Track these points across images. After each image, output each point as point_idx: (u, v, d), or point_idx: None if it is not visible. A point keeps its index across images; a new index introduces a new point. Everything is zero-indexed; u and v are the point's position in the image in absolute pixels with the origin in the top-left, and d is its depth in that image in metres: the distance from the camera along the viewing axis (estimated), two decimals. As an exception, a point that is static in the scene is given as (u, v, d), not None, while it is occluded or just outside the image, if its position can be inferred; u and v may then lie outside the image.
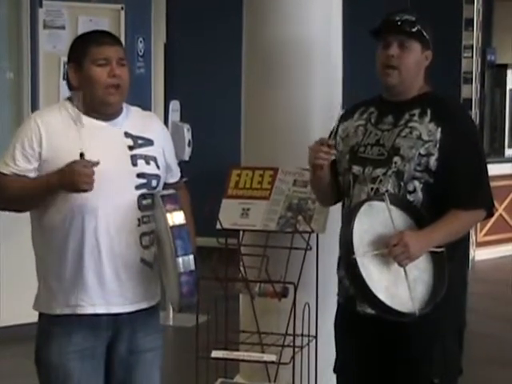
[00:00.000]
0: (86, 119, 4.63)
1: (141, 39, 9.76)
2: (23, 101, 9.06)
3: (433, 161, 4.67)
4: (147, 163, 4.69)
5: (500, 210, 13.11)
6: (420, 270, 4.59)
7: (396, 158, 4.72)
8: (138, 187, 4.62)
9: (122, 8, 9.54)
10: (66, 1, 9.23)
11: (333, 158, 4.78)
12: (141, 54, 9.73)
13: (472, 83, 12.57)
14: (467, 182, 4.73)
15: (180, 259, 4.35)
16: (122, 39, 9.02)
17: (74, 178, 4.33)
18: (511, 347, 9.05)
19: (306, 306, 5.29)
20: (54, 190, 4.44)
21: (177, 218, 4.41)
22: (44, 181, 4.50)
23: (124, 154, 4.63)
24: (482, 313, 10.01)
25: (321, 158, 4.71)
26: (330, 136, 4.95)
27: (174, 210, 4.42)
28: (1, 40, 9.27)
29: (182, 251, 4.36)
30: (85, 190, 4.36)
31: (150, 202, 4.60)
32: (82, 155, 4.36)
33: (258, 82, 5.88)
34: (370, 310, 4.68)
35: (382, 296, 4.41)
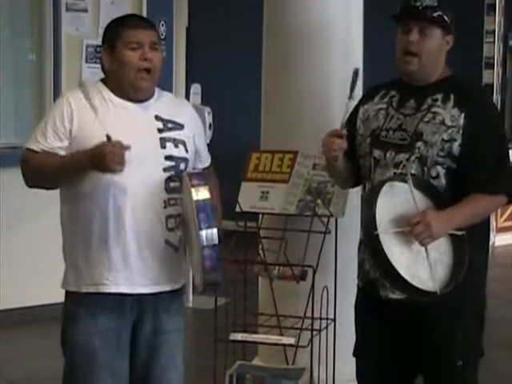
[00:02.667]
0: (117, 100, 4.66)
1: (163, 22, 9.73)
2: (45, 82, 9.02)
3: (456, 146, 4.63)
4: (176, 146, 4.70)
5: (520, 197, 13.02)
6: (440, 252, 4.56)
7: (419, 144, 4.68)
8: (165, 169, 4.63)
9: (144, -9, 9.54)
10: (88, -16, 9.18)
11: (345, 147, 4.72)
12: (162, 37, 9.68)
13: (494, 68, 12.53)
14: (489, 168, 4.69)
15: (203, 232, 4.31)
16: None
17: (106, 158, 4.32)
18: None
19: (325, 289, 5.23)
20: (85, 169, 4.45)
21: (201, 193, 4.36)
22: (75, 159, 4.54)
23: (153, 136, 4.66)
24: (501, 297, 10.01)
25: (333, 151, 4.70)
26: (349, 118, 4.95)
27: (199, 185, 4.39)
28: (24, 22, 9.31)
29: (206, 224, 4.32)
30: (115, 171, 4.37)
31: (177, 184, 4.61)
32: (108, 138, 4.34)
33: (278, 67, 5.82)
34: (392, 295, 4.69)
35: (403, 273, 4.40)
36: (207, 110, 8.98)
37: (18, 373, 7.20)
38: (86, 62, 8.44)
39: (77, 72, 8.78)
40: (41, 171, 4.63)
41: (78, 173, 4.51)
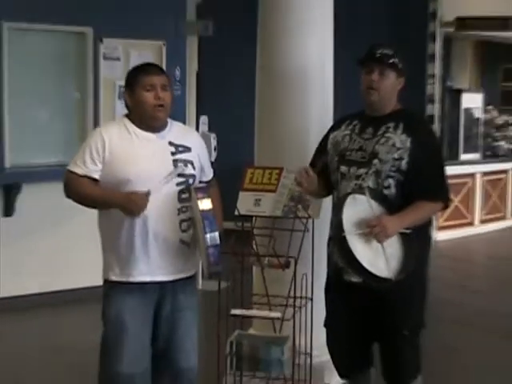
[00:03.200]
0: (139, 132, 4.78)
1: (178, 68, 9.73)
2: (87, 116, 9.10)
3: (404, 163, 4.76)
4: (185, 165, 4.79)
5: (456, 201, 13.08)
6: (393, 248, 4.68)
7: (375, 161, 4.81)
8: (178, 184, 4.73)
9: (164, 44, 9.55)
10: (120, 38, 9.20)
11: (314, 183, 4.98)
12: (178, 79, 9.69)
13: (434, 104, 12.56)
14: (430, 181, 4.84)
15: (208, 235, 4.50)
16: (163, 68, 9.04)
17: (137, 206, 4.55)
18: (467, 309, 9.03)
19: (304, 275, 5.26)
20: (113, 207, 4.63)
21: (205, 204, 4.57)
22: (109, 199, 4.68)
23: (167, 158, 4.76)
24: (443, 282, 10.01)
25: (302, 183, 4.97)
26: (321, 142, 5.20)
27: (203, 197, 4.58)
28: (70, 67, 9.30)
29: (209, 229, 4.51)
30: (134, 217, 4.59)
31: (187, 195, 4.70)
32: (148, 193, 4.54)
33: (268, 101, 5.86)
34: (354, 279, 4.81)
35: (366, 264, 4.53)
36: (213, 135, 9.04)
37: (62, 340, 7.36)
38: (119, 98, 8.43)
39: (111, 106, 8.83)
40: (81, 197, 4.78)
41: (109, 207, 4.69)
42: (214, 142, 8.96)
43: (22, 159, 8.83)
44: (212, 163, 8.49)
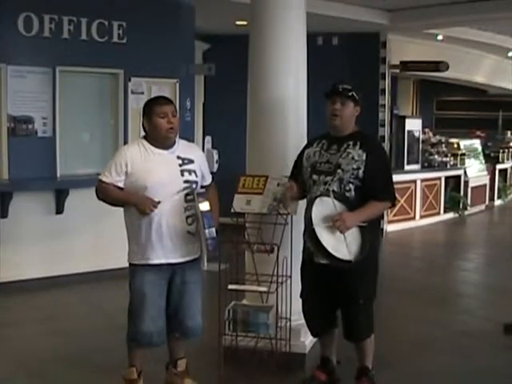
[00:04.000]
0: (154, 149, 4.81)
1: (188, 100, 9.72)
2: (119, 137, 9.13)
3: (361, 172, 4.76)
4: (190, 174, 4.82)
5: (402, 201, 13.05)
6: (353, 236, 4.69)
7: (339, 170, 4.80)
8: (184, 188, 4.77)
9: (177, 81, 9.52)
10: (144, 77, 9.20)
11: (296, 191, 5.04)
12: (188, 108, 9.68)
13: (385, 127, 12.55)
14: (380, 185, 4.82)
15: (207, 230, 4.60)
16: (177, 100, 9.09)
17: (145, 207, 4.67)
18: (412, 283, 9.03)
19: (285, 258, 5.21)
20: (131, 205, 4.75)
21: (204, 206, 4.66)
22: (127, 199, 4.77)
23: (176, 169, 4.79)
24: (393, 264, 10.07)
25: (291, 196, 5.08)
26: (298, 157, 5.19)
27: (203, 201, 4.68)
28: (106, 100, 9.31)
29: (207, 225, 4.61)
30: (145, 214, 4.68)
31: (191, 197, 4.74)
32: (158, 202, 4.65)
33: (255, 124, 5.80)
34: (322, 261, 4.76)
35: (331, 250, 4.55)
36: (215, 151, 9.04)
37: (108, 307, 7.37)
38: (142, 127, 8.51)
39: (137, 130, 8.71)
40: (107, 197, 4.84)
41: (127, 204, 4.79)
42: (216, 157, 8.94)
43: (69, 170, 8.83)
44: (215, 173, 8.61)
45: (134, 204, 4.68)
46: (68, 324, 6.91)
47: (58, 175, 8.69)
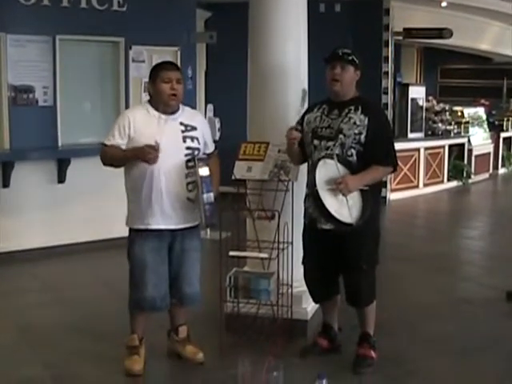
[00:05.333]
0: (157, 114, 4.79)
1: (190, 68, 9.66)
2: (120, 106, 9.06)
3: (363, 137, 4.73)
4: (192, 141, 4.81)
5: (405, 169, 13.04)
6: (354, 200, 4.68)
7: (340, 136, 4.77)
8: (186, 155, 4.76)
9: (179, 49, 9.49)
10: (145, 45, 9.15)
11: (299, 136, 4.90)
12: (190, 77, 9.63)
13: (388, 95, 12.48)
14: (382, 150, 4.80)
15: (205, 195, 4.60)
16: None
17: (145, 154, 4.57)
18: (415, 250, 9.05)
19: (286, 224, 5.19)
20: (134, 159, 4.64)
21: (203, 171, 4.66)
22: (129, 154, 4.69)
23: (178, 135, 4.78)
24: (395, 230, 10.05)
25: (292, 138, 4.87)
26: (298, 122, 5.14)
27: (202, 166, 4.66)
28: (107, 69, 9.26)
29: (206, 190, 4.61)
30: (149, 163, 4.61)
31: (192, 164, 4.73)
32: (156, 144, 4.55)
33: (256, 91, 5.73)
34: (325, 226, 4.79)
35: (333, 212, 4.56)
36: (217, 119, 8.95)
37: (110, 276, 7.39)
38: (144, 92, 8.37)
39: (138, 98, 8.78)
40: (111, 159, 4.79)
41: (130, 160, 4.69)
42: (218, 125, 8.88)
43: (70, 139, 8.82)
44: (217, 141, 8.60)
45: (135, 154, 4.65)
46: (69, 293, 6.93)
47: (60, 144, 8.67)
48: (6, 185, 8.15)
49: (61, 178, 8.53)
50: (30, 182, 8.37)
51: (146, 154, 4.59)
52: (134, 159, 4.68)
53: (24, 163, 8.22)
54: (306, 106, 5.51)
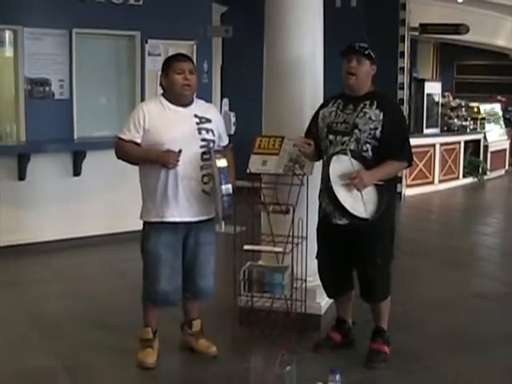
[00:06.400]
0: (171, 106, 4.76)
1: (205, 62, 9.66)
2: (136, 99, 9.08)
3: (378, 132, 4.69)
4: (207, 133, 4.77)
5: (420, 165, 13.01)
6: (369, 195, 4.63)
7: (356, 131, 4.73)
8: (201, 147, 4.73)
9: (195, 43, 9.48)
10: (161, 39, 9.17)
11: (311, 148, 4.92)
12: (206, 71, 9.63)
13: (404, 90, 12.43)
14: (397, 144, 4.75)
15: (223, 186, 4.52)
16: (195, 62, 8.98)
17: (164, 160, 4.58)
18: (429, 246, 9.02)
19: (300, 219, 5.16)
20: (152, 162, 4.65)
21: (221, 162, 4.58)
22: (148, 155, 4.68)
23: (193, 127, 4.74)
24: (412, 227, 10.08)
25: (303, 148, 4.92)
26: (313, 117, 5.10)
27: (220, 157, 4.60)
28: (123, 62, 9.27)
29: (224, 181, 4.53)
30: (169, 168, 4.60)
31: (208, 156, 4.70)
32: (180, 151, 4.56)
33: (272, 85, 5.72)
34: (339, 221, 4.76)
35: (348, 207, 4.50)
36: (232, 114, 8.98)
37: (124, 268, 7.38)
38: (160, 85, 8.45)
39: (154, 91, 8.70)
40: (127, 154, 4.77)
41: (149, 162, 4.69)
42: (233, 119, 8.91)
43: (86, 132, 8.85)
44: (232, 135, 8.60)
45: (155, 159, 4.63)
46: (84, 285, 6.95)
47: (75, 137, 8.70)
48: (21, 177, 8.16)
49: (76, 171, 8.53)
50: (45, 174, 8.38)
51: (168, 160, 4.59)
52: (152, 162, 4.67)
53: (40, 156, 8.23)
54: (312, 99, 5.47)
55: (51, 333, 5.60)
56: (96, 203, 8.68)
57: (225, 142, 5.06)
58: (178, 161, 4.60)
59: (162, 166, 4.62)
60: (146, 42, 9.10)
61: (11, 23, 8.28)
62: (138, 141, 4.70)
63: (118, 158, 4.84)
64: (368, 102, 4.78)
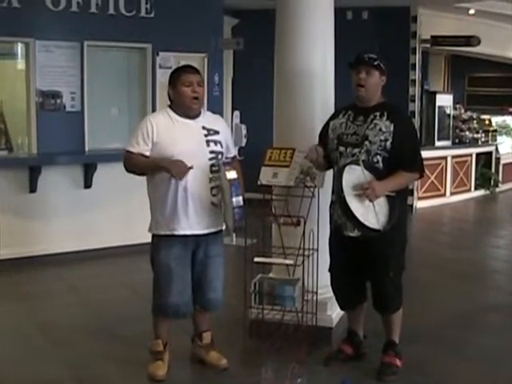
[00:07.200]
0: (179, 118, 4.75)
1: (217, 74, 9.68)
2: (147, 112, 8.99)
3: (388, 144, 4.68)
4: (215, 145, 4.76)
5: (432, 178, 12.98)
6: (381, 206, 4.63)
7: (366, 142, 4.73)
8: (210, 159, 4.71)
9: (206, 56, 9.50)
10: (172, 51, 9.19)
11: (321, 154, 4.93)
12: (217, 83, 9.65)
13: (415, 102, 12.41)
14: (408, 155, 4.74)
15: (234, 199, 4.52)
16: (205, 75, 9.08)
17: (176, 170, 4.55)
18: (441, 258, 9.00)
19: (311, 231, 5.16)
20: (161, 171, 4.61)
21: (231, 174, 4.58)
22: (156, 165, 4.64)
23: (202, 139, 4.73)
24: (421, 237, 10.04)
25: (313, 157, 4.92)
26: (323, 128, 5.10)
27: (230, 169, 4.60)
28: (134, 74, 9.32)
29: (235, 194, 4.53)
30: (179, 179, 4.58)
31: (216, 168, 4.69)
32: (191, 167, 4.58)
33: (282, 97, 5.72)
34: (351, 234, 4.78)
35: (360, 218, 4.50)
36: (243, 126, 8.97)
37: (135, 280, 7.37)
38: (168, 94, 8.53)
39: (164, 103, 8.69)
40: (136, 166, 4.75)
41: (158, 171, 4.66)
42: (244, 131, 8.90)
43: (97, 145, 8.88)
44: (243, 147, 8.62)
45: (167, 168, 4.60)
46: (94, 296, 6.96)
47: (87, 149, 8.72)
48: (33, 190, 8.18)
49: (87, 183, 8.55)
50: (56, 186, 8.40)
51: (179, 170, 4.57)
52: (160, 172, 4.66)
53: (51, 168, 8.26)
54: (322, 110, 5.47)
55: (62, 343, 5.61)
56: (107, 215, 8.69)
57: (232, 153, 5.06)
58: (188, 172, 4.59)
59: (172, 175, 4.60)
60: (158, 54, 9.14)
61: (23, 36, 8.32)
62: (147, 153, 4.69)
63: (127, 170, 4.84)
64: (378, 114, 4.77)
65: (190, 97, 4.71)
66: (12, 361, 5.25)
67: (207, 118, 4.89)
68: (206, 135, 4.77)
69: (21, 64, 8.80)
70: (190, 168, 4.59)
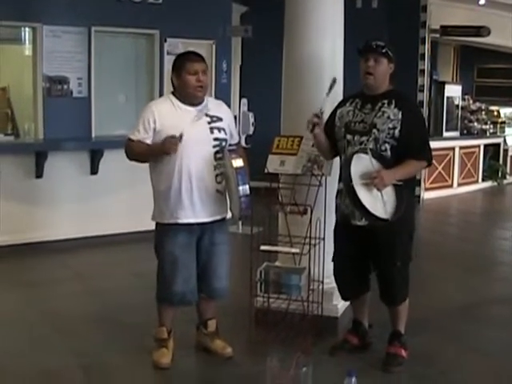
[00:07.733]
0: (182, 106, 4.71)
1: (225, 62, 9.67)
2: (154, 96, 9.09)
3: (397, 132, 4.65)
4: (219, 131, 4.74)
5: (439, 168, 12.95)
6: (388, 195, 4.59)
7: (374, 130, 4.69)
8: (214, 146, 4.69)
9: (214, 43, 9.50)
10: (180, 38, 9.17)
11: (318, 122, 4.84)
12: (225, 70, 9.63)
13: (424, 92, 12.38)
14: (417, 144, 4.71)
15: (240, 187, 4.48)
16: (213, 62, 9.06)
17: (164, 146, 4.51)
18: (448, 249, 9.01)
19: (318, 220, 5.13)
20: (157, 154, 4.59)
21: (238, 162, 4.53)
22: (152, 148, 4.63)
23: (205, 126, 4.70)
24: (430, 230, 10.06)
25: (313, 121, 4.80)
26: (330, 116, 5.04)
27: (236, 157, 4.55)
28: (141, 61, 9.31)
29: (241, 182, 4.48)
30: (170, 154, 4.55)
31: (220, 155, 4.65)
32: (181, 136, 4.53)
33: (291, 85, 5.70)
34: (359, 223, 4.75)
35: (368, 207, 4.45)
36: (251, 114, 8.95)
37: (140, 267, 7.29)
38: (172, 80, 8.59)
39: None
40: (136, 154, 4.73)
41: (155, 155, 4.65)
42: (252, 119, 8.90)
43: (104, 131, 8.89)
44: (251, 135, 8.60)
45: (159, 149, 4.58)
46: (100, 283, 6.96)
47: (93, 136, 8.71)
48: (39, 175, 8.18)
49: (93, 170, 8.55)
50: (62, 172, 8.40)
51: (167, 145, 4.53)
52: (160, 154, 4.62)
53: (57, 154, 8.25)
54: (337, 100, 5.44)
55: (68, 331, 5.60)
56: (113, 202, 8.70)
57: (236, 139, 5.02)
58: (178, 143, 4.54)
59: (165, 153, 4.56)
60: (165, 40, 9.13)
61: (31, 20, 8.33)
62: (147, 141, 4.65)
63: (129, 158, 4.81)
64: (386, 101, 4.73)
65: (195, 86, 4.65)
66: (17, 349, 5.24)
67: (210, 105, 4.83)
68: (209, 122, 4.72)
69: (28, 49, 8.80)
70: (181, 137, 4.53)
